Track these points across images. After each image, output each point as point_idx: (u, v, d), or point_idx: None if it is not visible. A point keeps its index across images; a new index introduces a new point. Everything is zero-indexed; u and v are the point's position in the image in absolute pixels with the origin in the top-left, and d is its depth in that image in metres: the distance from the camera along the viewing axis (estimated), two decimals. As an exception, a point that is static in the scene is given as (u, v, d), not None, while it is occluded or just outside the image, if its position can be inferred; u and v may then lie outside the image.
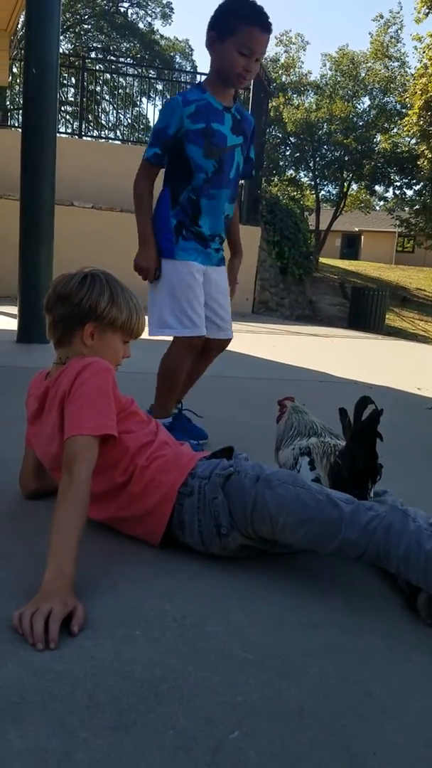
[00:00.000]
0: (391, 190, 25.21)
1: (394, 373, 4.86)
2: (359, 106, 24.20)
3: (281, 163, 25.35)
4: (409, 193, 24.25)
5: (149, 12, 28.39)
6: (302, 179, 26.32)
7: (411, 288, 21.66)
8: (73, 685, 0.95)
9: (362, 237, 35.17)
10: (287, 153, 25.25)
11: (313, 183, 25.45)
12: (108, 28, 27.74)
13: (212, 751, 0.84)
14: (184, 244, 2.14)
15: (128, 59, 26.26)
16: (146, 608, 1.18)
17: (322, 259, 22.29)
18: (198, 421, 2.42)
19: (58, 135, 4.77)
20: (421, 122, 18.67)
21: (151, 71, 23.05)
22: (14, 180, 4.74)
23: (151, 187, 2.16)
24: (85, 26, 28.00)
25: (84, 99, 14.15)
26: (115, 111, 23.97)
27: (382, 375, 4.58)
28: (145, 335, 1.68)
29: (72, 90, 22.82)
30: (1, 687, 0.93)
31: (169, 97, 14.00)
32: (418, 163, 20.68)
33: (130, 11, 28.26)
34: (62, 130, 24.41)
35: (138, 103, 19.71)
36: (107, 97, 23.31)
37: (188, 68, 28.16)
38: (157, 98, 16.45)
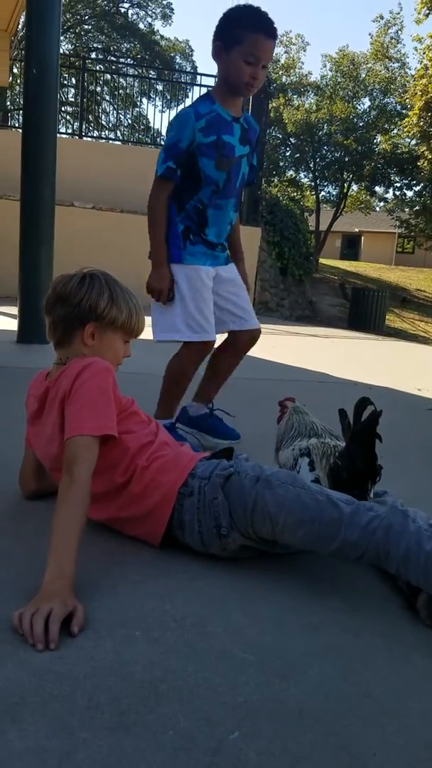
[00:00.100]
0: (391, 191, 25.20)
1: (394, 374, 4.86)
2: (359, 107, 24.18)
3: (281, 164, 25.32)
4: (409, 194, 24.24)
5: (149, 12, 28.37)
6: (302, 180, 26.29)
7: (411, 289, 21.66)
8: (73, 685, 0.95)
9: (362, 238, 35.15)
10: (287, 154, 25.22)
11: (313, 184, 25.42)
12: (108, 28, 27.73)
13: (212, 752, 0.84)
14: (192, 249, 2.13)
15: (128, 60, 26.26)
16: (146, 609, 1.18)
17: (322, 260, 22.29)
18: (229, 420, 2.38)
19: (58, 135, 4.79)
20: (422, 123, 18.67)
21: (151, 72, 23.07)
22: (14, 180, 4.74)
23: (166, 202, 2.09)
24: (86, 27, 27.98)
25: (84, 99, 14.17)
26: (115, 111, 24.04)
27: (382, 376, 4.58)
28: (149, 336, 1.68)
29: (72, 90, 22.83)
30: (1, 687, 0.93)
31: (169, 97, 14.08)
32: (418, 164, 20.67)
33: (130, 12, 28.26)
34: (63, 130, 24.38)
35: (138, 103, 19.79)
36: (107, 98, 23.36)
37: (188, 69, 28.13)
38: (157, 99, 16.47)
